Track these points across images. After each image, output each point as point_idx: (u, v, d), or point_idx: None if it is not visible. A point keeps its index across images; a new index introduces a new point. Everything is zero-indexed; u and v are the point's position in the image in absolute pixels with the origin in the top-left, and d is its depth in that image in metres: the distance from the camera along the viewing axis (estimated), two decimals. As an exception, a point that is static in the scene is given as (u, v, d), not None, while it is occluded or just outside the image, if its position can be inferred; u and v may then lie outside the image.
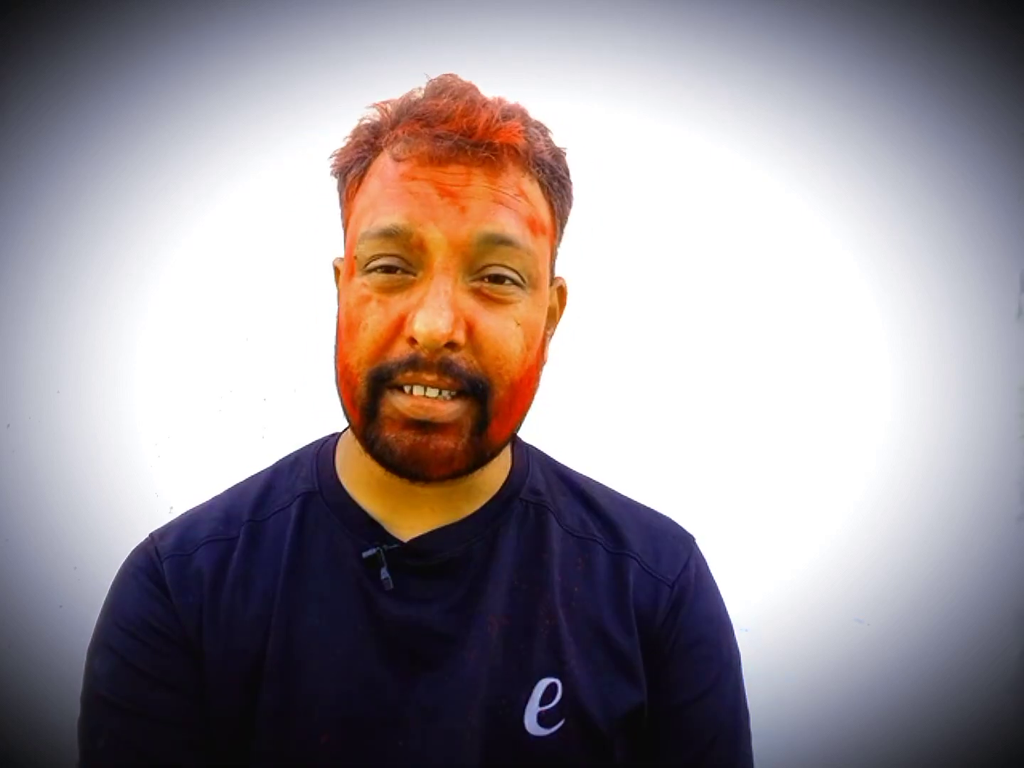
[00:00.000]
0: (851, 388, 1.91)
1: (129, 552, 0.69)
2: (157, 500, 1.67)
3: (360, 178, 0.62)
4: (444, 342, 0.56)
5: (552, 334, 0.71)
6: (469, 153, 0.57)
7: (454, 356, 0.57)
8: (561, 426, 1.63)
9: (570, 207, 0.68)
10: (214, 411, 1.80)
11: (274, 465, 0.74)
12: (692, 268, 1.90)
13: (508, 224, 0.58)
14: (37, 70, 1.69)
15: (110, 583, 0.68)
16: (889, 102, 1.84)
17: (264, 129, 1.73)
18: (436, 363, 0.56)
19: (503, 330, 0.58)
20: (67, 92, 1.71)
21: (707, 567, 0.74)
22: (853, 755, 1.71)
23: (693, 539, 0.75)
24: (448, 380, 0.57)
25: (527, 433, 0.72)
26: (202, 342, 1.82)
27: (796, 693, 1.70)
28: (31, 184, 1.73)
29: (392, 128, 0.60)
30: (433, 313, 0.55)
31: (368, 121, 0.63)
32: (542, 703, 0.62)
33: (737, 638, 0.74)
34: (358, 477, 0.68)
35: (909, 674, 1.78)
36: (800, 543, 1.87)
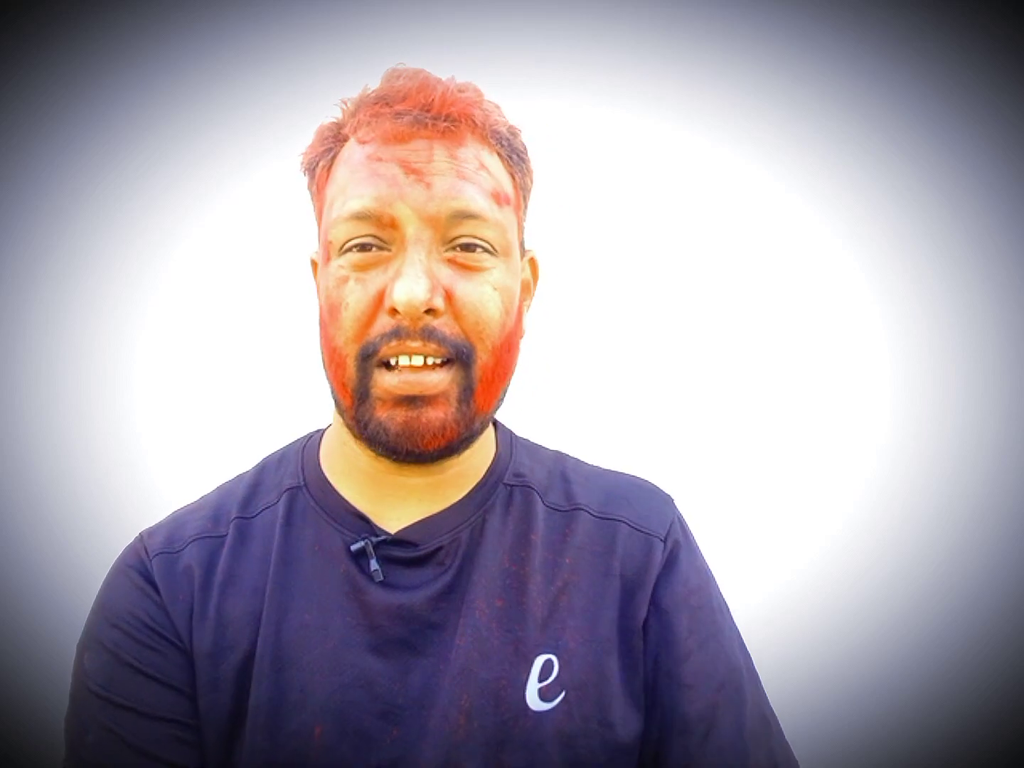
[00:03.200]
0: (851, 388, 1.91)
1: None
2: (158, 500, 1.67)
3: (328, 169, 0.64)
4: (424, 308, 0.57)
5: (528, 307, 0.73)
6: (429, 126, 0.58)
7: (436, 323, 0.58)
8: (558, 422, 1.63)
9: (531, 182, 0.70)
10: (215, 411, 1.80)
11: (260, 463, 0.75)
12: (693, 269, 1.90)
13: (473, 198, 0.59)
14: (36, 71, 1.69)
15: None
16: (890, 101, 1.84)
17: (264, 129, 1.73)
18: (419, 330, 0.58)
19: (481, 295, 0.60)
20: (66, 92, 1.71)
21: (687, 524, 0.76)
22: (854, 755, 1.71)
23: (672, 498, 0.77)
24: (432, 346, 0.58)
25: (530, 421, 0.73)
26: (203, 342, 1.81)
27: (796, 693, 1.70)
28: (31, 184, 1.73)
29: (353, 116, 0.62)
30: (410, 281, 0.56)
31: (332, 120, 0.65)
32: (541, 679, 0.63)
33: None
34: (343, 470, 0.68)
35: (910, 674, 1.78)
36: (800, 543, 1.87)
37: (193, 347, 1.81)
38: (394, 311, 0.57)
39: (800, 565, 1.84)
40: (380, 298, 0.59)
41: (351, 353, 0.59)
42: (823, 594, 1.82)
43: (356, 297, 0.59)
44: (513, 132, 0.66)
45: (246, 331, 1.80)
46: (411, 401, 0.58)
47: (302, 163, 0.67)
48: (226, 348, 1.80)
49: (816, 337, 1.92)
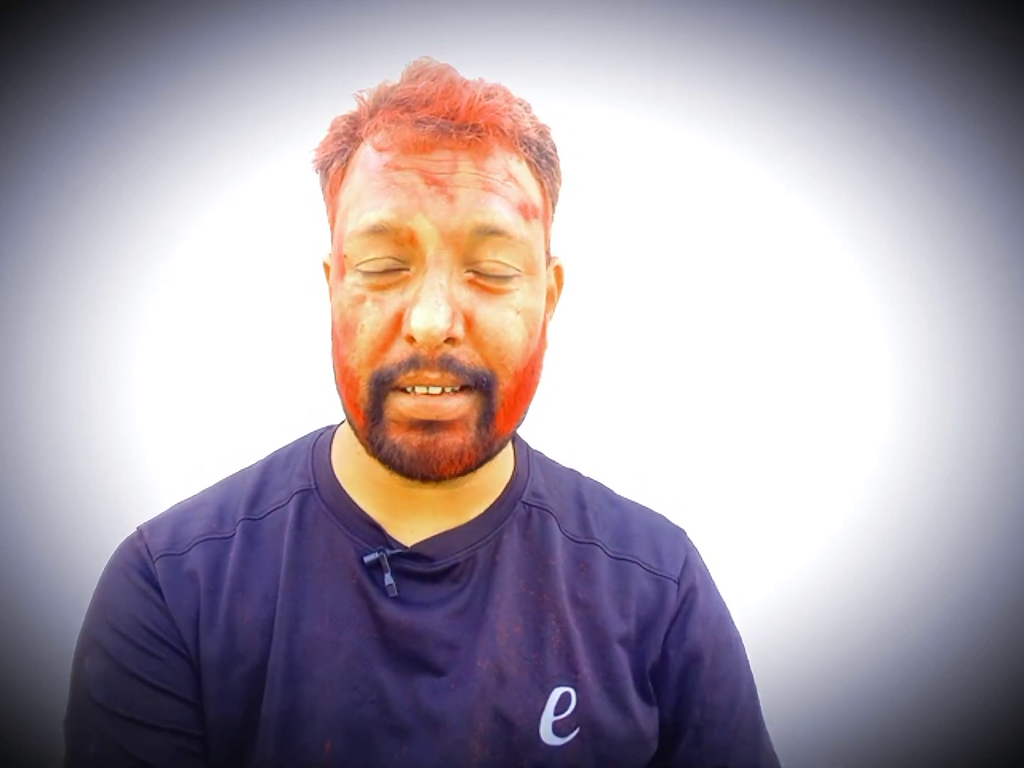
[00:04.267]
0: (851, 388, 1.91)
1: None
2: (158, 500, 1.67)
3: (342, 171, 0.60)
4: (443, 338, 0.54)
5: (551, 317, 0.70)
6: (454, 136, 0.55)
7: (454, 351, 0.56)
8: (558, 424, 1.63)
9: (560, 184, 0.66)
10: (215, 411, 1.80)
11: (267, 458, 0.72)
12: (693, 269, 1.90)
13: (499, 213, 0.56)
14: (36, 71, 1.69)
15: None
16: (890, 101, 1.84)
17: (264, 129, 1.73)
18: (437, 360, 0.55)
19: (502, 320, 0.57)
20: (66, 92, 1.71)
21: (701, 559, 0.74)
22: (854, 755, 1.71)
23: (684, 532, 0.75)
24: (451, 376, 0.56)
25: (531, 426, 0.72)
26: (203, 342, 1.81)
27: (796, 693, 1.70)
28: (31, 184, 1.73)
29: (371, 117, 0.58)
30: (430, 309, 0.53)
31: (347, 114, 0.61)
32: (556, 712, 0.62)
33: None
34: (357, 476, 0.66)
35: (910, 674, 1.78)
36: (800, 543, 1.87)
37: (193, 347, 1.81)
38: (412, 338, 0.55)
39: (800, 565, 1.84)
40: (397, 321, 0.56)
41: (364, 376, 0.57)
42: (823, 594, 1.82)
43: (372, 320, 0.56)
44: (543, 133, 0.62)
45: (246, 331, 1.80)
46: (427, 425, 0.56)
47: (315, 161, 0.63)
48: (226, 348, 1.80)
49: (816, 337, 1.92)
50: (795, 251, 1.91)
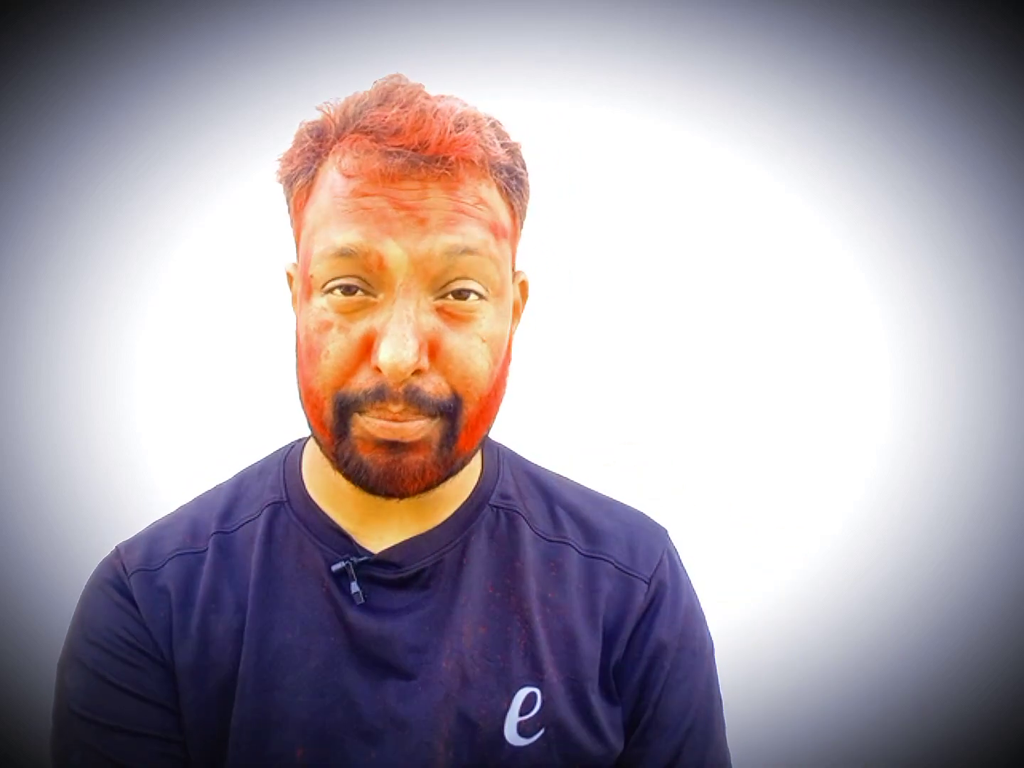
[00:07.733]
0: (851, 388, 1.91)
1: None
2: (158, 500, 1.67)
3: (308, 188, 0.59)
4: (410, 372, 0.55)
5: (515, 329, 0.71)
6: (423, 169, 0.55)
7: (419, 381, 0.56)
8: (556, 425, 1.63)
9: (528, 200, 0.66)
10: (215, 411, 1.80)
11: (239, 474, 0.73)
12: (693, 268, 1.90)
13: (470, 232, 0.56)
14: (36, 71, 1.69)
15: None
16: (890, 101, 1.84)
17: (264, 129, 1.73)
18: (402, 392, 0.55)
19: (468, 349, 0.57)
20: (66, 92, 1.71)
21: (680, 559, 0.74)
22: (854, 755, 1.71)
23: (666, 532, 0.74)
24: (413, 409, 0.56)
25: (512, 431, 0.72)
26: (202, 342, 1.81)
27: (796, 692, 1.70)
28: (31, 184, 1.73)
29: (337, 137, 0.57)
30: (397, 343, 0.54)
31: (311, 125, 0.59)
32: (522, 713, 0.62)
33: (733, 634, 0.74)
34: (326, 487, 0.67)
35: (910, 674, 1.78)
36: (800, 544, 1.87)
37: (193, 347, 1.82)
38: (379, 369, 0.55)
39: (800, 565, 1.85)
40: (363, 348, 0.56)
41: (329, 397, 0.57)
42: (823, 594, 1.83)
43: (338, 347, 0.56)
44: (513, 153, 0.60)
45: (246, 331, 1.80)
46: (392, 445, 0.57)
47: (280, 174, 0.62)
48: (226, 348, 1.81)
49: (816, 337, 1.92)
50: (795, 251, 1.91)
